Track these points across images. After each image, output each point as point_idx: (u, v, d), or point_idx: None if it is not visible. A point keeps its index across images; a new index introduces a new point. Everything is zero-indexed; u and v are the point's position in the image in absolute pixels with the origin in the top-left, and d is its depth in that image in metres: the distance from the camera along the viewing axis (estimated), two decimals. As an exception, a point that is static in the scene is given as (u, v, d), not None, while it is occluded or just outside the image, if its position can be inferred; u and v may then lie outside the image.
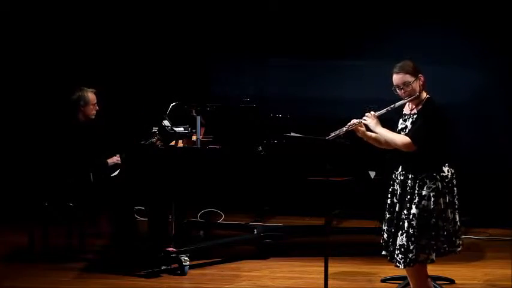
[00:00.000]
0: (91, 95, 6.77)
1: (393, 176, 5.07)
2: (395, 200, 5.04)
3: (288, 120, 6.66)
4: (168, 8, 8.34)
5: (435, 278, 5.93)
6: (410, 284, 5.16)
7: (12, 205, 7.84)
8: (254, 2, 8.27)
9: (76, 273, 6.26)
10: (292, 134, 4.94)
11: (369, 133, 5.10)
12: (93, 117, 6.78)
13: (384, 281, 6.01)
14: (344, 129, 5.07)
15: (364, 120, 5.07)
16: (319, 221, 7.31)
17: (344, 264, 6.47)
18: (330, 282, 5.25)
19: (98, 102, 6.80)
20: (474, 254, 6.91)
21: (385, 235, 5.08)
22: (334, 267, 6.13)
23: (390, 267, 6.21)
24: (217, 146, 6.45)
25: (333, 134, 5.09)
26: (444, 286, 5.91)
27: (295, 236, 7.29)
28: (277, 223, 7.89)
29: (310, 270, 6.30)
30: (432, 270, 6.11)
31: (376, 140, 5.09)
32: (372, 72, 7.84)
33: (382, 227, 5.13)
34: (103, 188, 6.57)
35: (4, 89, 8.36)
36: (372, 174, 5.01)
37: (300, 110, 7.74)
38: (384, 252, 5.10)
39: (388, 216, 5.07)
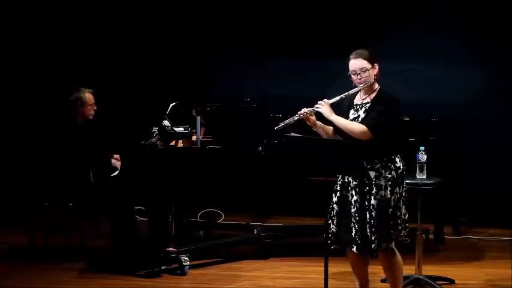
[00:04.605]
0: (88, 96, 6.76)
1: None
2: (346, 193, 5.00)
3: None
4: (168, 7, 8.34)
5: (435, 278, 5.94)
6: (384, 272, 5.25)
7: (12, 205, 7.84)
8: (254, 2, 8.27)
9: (76, 273, 6.26)
10: (292, 134, 4.93)
11: (319, 123, 5.04)
12: (92, 117, 6.77)
13: (384, 281, 5.99)
14: (294, 118, 5.02)
15: (317, 108, 5.00)
16: (319, 221, 7.32)
17: (344, 264, 6.45)
18: (330, 282, 5.24)
19: (96, 103, 6.79)
20: (474, 254, 6.92)
21: (334, 229, 5.04)
22: (334, 267, 6.12)
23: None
24: (217, 146, 6.45)
25: (282, 124, 5.00)
26: (444, 286, 5.91)
27: (295, 236, 7.29)
28: (277, 223, 7.88)
29: (310, 270, 6.30)
30: (432, 270, 6.14)
31: (324, 129, 5.04)
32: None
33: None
34: (103, 188, 6.57)
35: (3, 90, 8.36)
36: (372, 174, 5.00)
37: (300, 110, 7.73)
38: (333, 247, 5.08)
39: (337, 209, 5.02)
